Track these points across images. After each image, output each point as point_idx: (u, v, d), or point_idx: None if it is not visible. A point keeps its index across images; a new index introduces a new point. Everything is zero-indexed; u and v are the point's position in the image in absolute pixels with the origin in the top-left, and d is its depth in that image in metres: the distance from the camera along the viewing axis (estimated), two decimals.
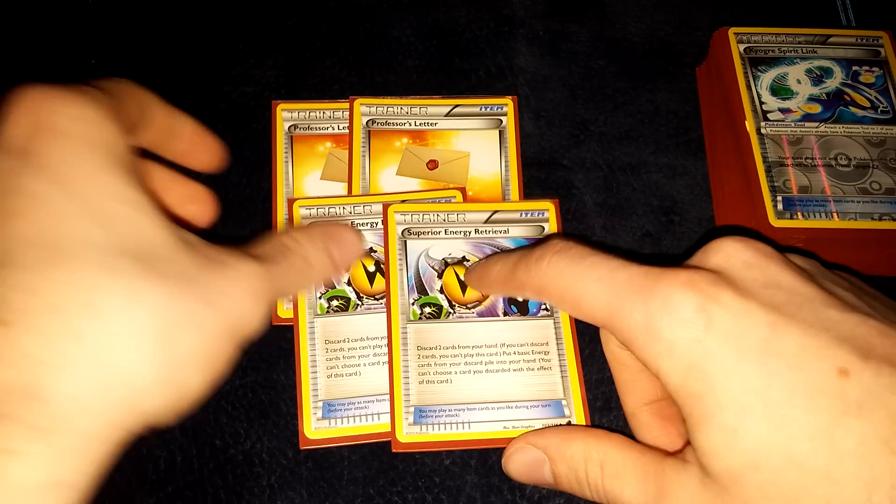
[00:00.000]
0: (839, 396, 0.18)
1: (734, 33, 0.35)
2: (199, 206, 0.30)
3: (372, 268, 0.31)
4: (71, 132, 0.21)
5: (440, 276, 0.31)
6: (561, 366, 0.29)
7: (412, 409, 0.28)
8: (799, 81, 0.34)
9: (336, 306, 0.31)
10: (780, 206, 0.31)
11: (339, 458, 0.29)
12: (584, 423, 0.29)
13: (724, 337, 0.20)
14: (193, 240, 0.23)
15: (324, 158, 0.34)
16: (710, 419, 0.20)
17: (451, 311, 0.30)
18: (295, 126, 0.35)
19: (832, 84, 0.34)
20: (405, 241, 0.31)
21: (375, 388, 0.29)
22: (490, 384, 0.29)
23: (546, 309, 0.31)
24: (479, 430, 0.28)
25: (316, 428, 0.29)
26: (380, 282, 0.31)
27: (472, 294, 0.31)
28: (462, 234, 0.32)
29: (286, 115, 0.35)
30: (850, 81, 0.34)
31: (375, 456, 0.29)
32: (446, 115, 0.35)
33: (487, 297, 0.31)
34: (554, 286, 0.24)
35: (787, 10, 0.40)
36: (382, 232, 0.32)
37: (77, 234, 0.20)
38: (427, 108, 0.35)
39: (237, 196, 0.33)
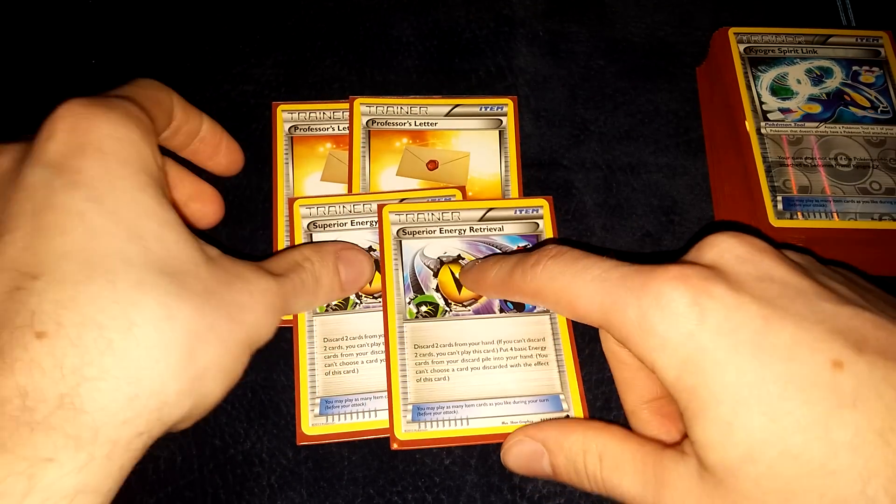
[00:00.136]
0: (833, 389, 0.18)
1: (734, 33, 0.35)
2: (205, 204, 0.31)
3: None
4: (108, 150, 0.22)
5: (436, 274, 0.31)
6: (558, 361, 0.29)
7: (410, 407, 0.28)
8: (799, 81, 0.34)
9: (335, 305, 0.31)
10: (780, 206, 0.31)
11: (340, 458, 0.29)
12: (583, 417, 0.29)
13: (717, 331, 0.20)
14: (214, 254, 0.24)
15: (324, 160, 0.34)
16: (706, 413, 0.20)
17: (448, 309, 0.30)
18: (295, 127, 0.35)
19: (832, 84, 0.34)
20: (400, 241, 0.31)
21: (373, 385, 0.30)
22: (487, 381, 0.29)
23: None
24: (478, 426, 0.28)
25: (313, 424, 0.29)
26: (378, 280, 0.31)
27: (467, 292, 0.31)
28: (457, 232, 0.32)
29: (286, 115, 0.35)
30: (850, 81, 0.34)
31: (375, 456, 0.29)
32: (446, 116, 0.35)
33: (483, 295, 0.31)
34: (549, 290, 0.24)
35: (787, 10, 0.40)
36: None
37: (113, 250, 0.21)
38: (427, 108, 0.35)
39: (237, 196, 0.33)
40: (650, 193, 0.35)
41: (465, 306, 0.30)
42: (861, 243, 0.31)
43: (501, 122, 0.35)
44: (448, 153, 0.35)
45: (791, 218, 0.31)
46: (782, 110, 0.34)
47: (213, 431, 0.29)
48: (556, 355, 0.29)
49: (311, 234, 0.32)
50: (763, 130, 0.33)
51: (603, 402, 0.30)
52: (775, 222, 0.31)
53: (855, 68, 0.35)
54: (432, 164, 0.34)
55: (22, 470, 0.18)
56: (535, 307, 0.30)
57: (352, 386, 0.29)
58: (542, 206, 0.33)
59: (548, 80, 0.38)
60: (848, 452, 0.18)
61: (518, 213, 0.32)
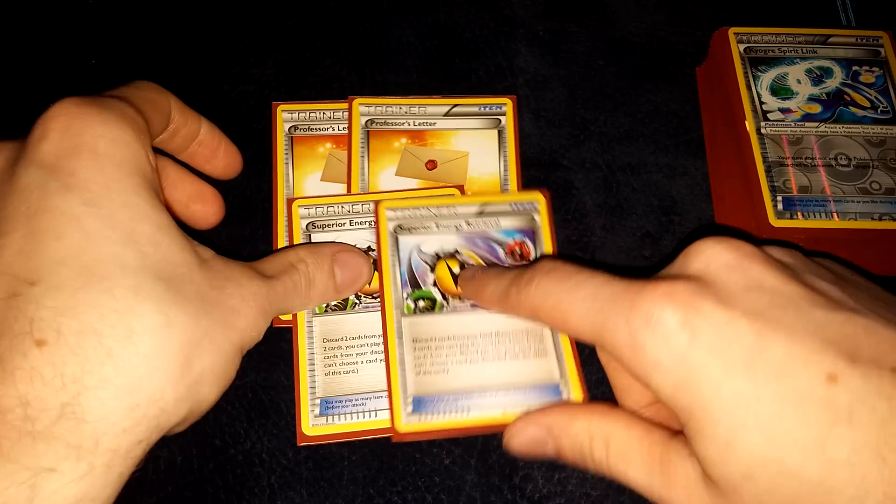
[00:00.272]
0: (829, 404, 0.18)
1: (734, 33, 0.35)
2: (206, 205, 0.31)
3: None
4: (102, 152, 0.22)
5: (433, 269, 0.31)
6: (556, 350, 0.29)
7: (410, 400, 0.28)
8: (799, 81, 0.34)
9: (334, 305, 0.31)
10: (780, 206, 0.31)
11: (340, 458, 0.29)
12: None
13: (709, 350, 0.20)
14: (208, 255, 0.24)
15: (324, 160, 0.34)
16: (704, 432, 0.20)
17: (445, 303, 0.30)
18: (295, 127, 0.35)
19: (832, 84, 0.34)
20: (396, 237, 0.31)
21: (373, 385, 0.30)
22: (487, 373, 0.29)
23: None
24: (478, 415, 0.28)
25: (314, 425, 0.29)
26: (377, 280, 0.31)
27: None
28: (453, 227, 0.32)
29: (286, 115, 0.35)
30: (850, 81, 0.34)
31: (375, 456, 0.29)
32: (445, 115, 0.35)
33: None
34: (543, 308, 0.24)
35: (787, 10, 0.40)
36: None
37: (109, 255, 0.21)
38: (426, 107, 0.35)
39: (237, 196, 0.33)
40: (650, 193, 0.35)
41: (463, 300, 0.30)
42: (861, 243, 0.31)
43: (500, 121, 0.35)
44: (447, 153, 0.35)
45: (791, 218, 0.31)
46: (782, 110, 0.34)
47: (213, 431, 0.29)
48: (555, 345, 0.29)
49: (309, 235, 0.32)
50: (763, 130, 0.33)
51: None
52: (775, 222, 0.31)
53: (855, 68, 0.35)
54: (431, 164, 0.34)
55: (24, 480, 0.18)
56: None
57: (352, 386, 0.30)
58: (537, 199, 0.33)
59: (548, 80, 0.38)
60: (845, 469, 0.18)
61: (514, 207, 0.32)
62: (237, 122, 0.35)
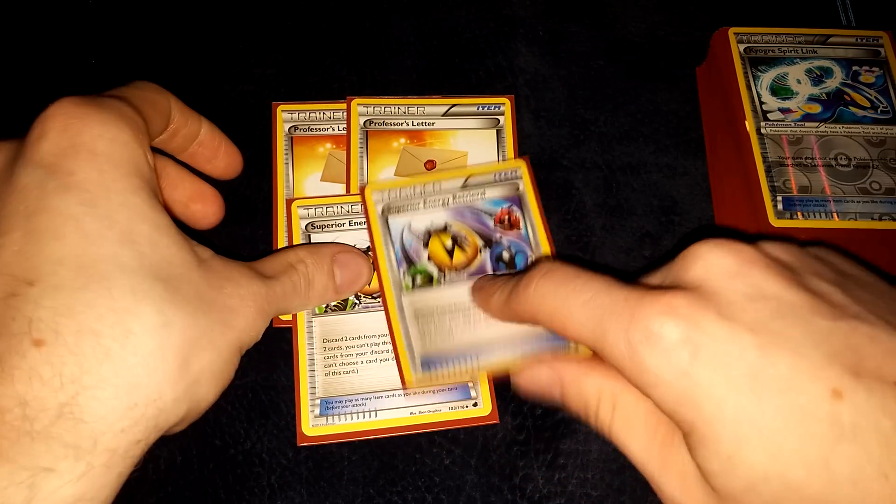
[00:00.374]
0: (833, 421, 0.18)
1: (734, 33, 0.35)
2: (206, 205, 0.31)
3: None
4: (100, 152, 0.22)
5: (425, 245, 0.31)
6: None
7: (419, 362, 0.29)
8: (799, 81, 0.34)
9: (334, 305, 0.31)
10: (780, 206, 0.31)
11: (339, 458, 0.29)
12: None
13: (711, 366, 0.19)
14: (206, 255, 0.24)
15: (324, 160, 0.34)
16: (706, 446, 0.19)
17: (442, 276, 0.31)
18: (295, 127, 0.35)
19: (832, 84, 0.34)
20: (386, 219, 0.31)
21: (373, 385, 0.30)
22: (493, 331, 0.29)
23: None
24: (486, 364, 0.29)
25: (314, 425, 0.29)
26: (377, 279, 0.31)
27: (459, 258, 0.31)
28: (440, 203, 0.32)
29: (286, 116, 0.35)
30: (850, 81, 0.34)
31: (375, 456, 0.29)
32: (443, 115, 0.35)
33: (475, 259, 0.31)
34: (542, 312, 0.24)
35: (787, 10, 0.40)
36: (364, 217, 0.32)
37: (107, 256, 0.21)
38: (424, 107, 0.35)
39: (237, 196, 0.33)
40: (650, 193, 0.35)
41: (459, 272, 0.31)
42: (861, 243, 0.31)
43: (499, 121, 0.35)
44: (446, 153, 0.35)
45: (791, 218, 0.31)
46: (782, 110, 0.33)
47: (213, 431, 0.29)
48: None
49: (309, 235, 0.32)
50: (763, 130, 0.33)
51: None
52: (775, 222, 0.31)
53: (855, 68, 0.35)
54: (430, 164, 0.34)
55: (23, 480, 0.18)
56: (525, 267, 0.31)
57: (352, 386, 0.30)
58: (520, 167, 0.33)
59: (548, 80, 0.38)
60: (847, 486, 0.18)
61: (498, 177, 0.32)
62: (237, 122, 0.35)
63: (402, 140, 0.35)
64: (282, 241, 0.32)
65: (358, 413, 0.29)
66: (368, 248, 0.32)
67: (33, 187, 0.21)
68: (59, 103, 0.22)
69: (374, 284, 0.31)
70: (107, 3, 0.38)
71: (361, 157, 0.34)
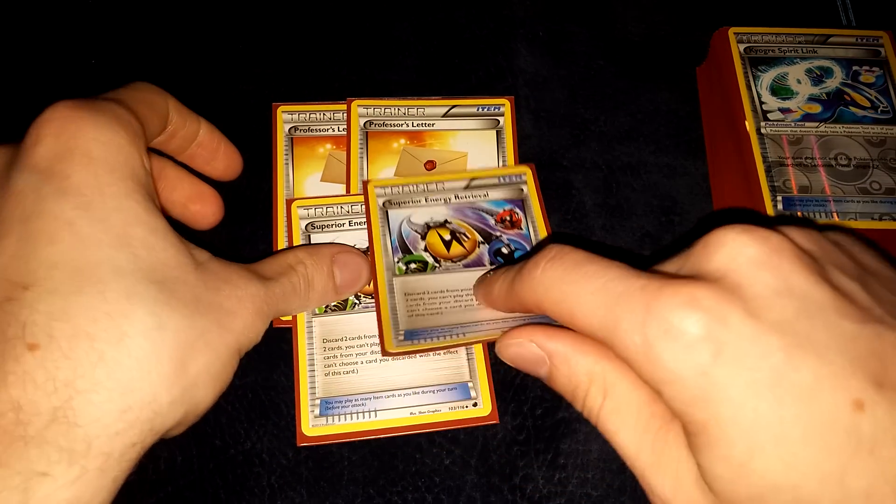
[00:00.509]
0: (853, 433, 0.17)
1: (734, 33, 0.35)
2: (205, 205, 0.31)
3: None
4: (96, 155, 0.22)
5: (423, 237, 0.31)
6: None
7: (402, 333, 0.28)
8: (799, 81, 0.34)
9: (334, 305, 0.31)
10: (780, 206, 0.31)
11: (339, 458, 0.29)
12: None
13: (733, 367, 0.18)
14: (204, 258, 0.24)
15: (324, 160, 0.34)
16: (717, 450, 0.19)
17: (437, 265, 0.31)
18: (295, 128, 0.35)
19: (832, 84, 0.34)
20: (386, 211, 0.31)
21: (373, 385, 0.30)
22: (484, 312, 0.29)
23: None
24: (473, 336, 0.28)
25: (314, 426, 0.29)
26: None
27: (457, 249, 0.31)
28: (442, 200, 0.32)
29: (286, 116, 0.35)
30: (850, 81, 0.34)
31: (375, 456, 0.29)
32: (443, 116, 0.35)
33: (473, 250, 0.31)
34: (549, 298, 0.22)
35: (787, 10, 0.40)
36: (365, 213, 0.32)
37: (102, 259, 0.21)
38: (424, 108, 0.35)
39: (237, 197, 0.33)
40: (650, 193, 0.35)
41: (456, 262, 0.31)
42: None
43: (499, 122, 0.35)
44: (446, 153, 0.35)
45: None
46: (782, 110, 0.33)
47: (213, 431, 0.29)
48: None
49: (308, 236, 0.32)
50: (763, 130, 0.33)
51: None
52: None
53: (855, 68, 0.35)
54: (430, 165, 0.34)
55: (17, 484, 0.18)
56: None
57: (352, 386, 0.30)
58: (525, 172, 0.33)
59: (548, 80, 0.38)
60: (860, 501, 0.17)
61: (502, 180, 0.32)
62: (237, 123, 0.35)
63: (402, 141, 0.35)
64: (282, 242, 0.32)
65: (358, 413, 0.29)
66: (368, 248, 0.32)
67: (29, 192, 0.21)
68: (54, 107, 0.22)
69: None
70: (107, 3, 0.38)
71: (361, 157, 0.34)
